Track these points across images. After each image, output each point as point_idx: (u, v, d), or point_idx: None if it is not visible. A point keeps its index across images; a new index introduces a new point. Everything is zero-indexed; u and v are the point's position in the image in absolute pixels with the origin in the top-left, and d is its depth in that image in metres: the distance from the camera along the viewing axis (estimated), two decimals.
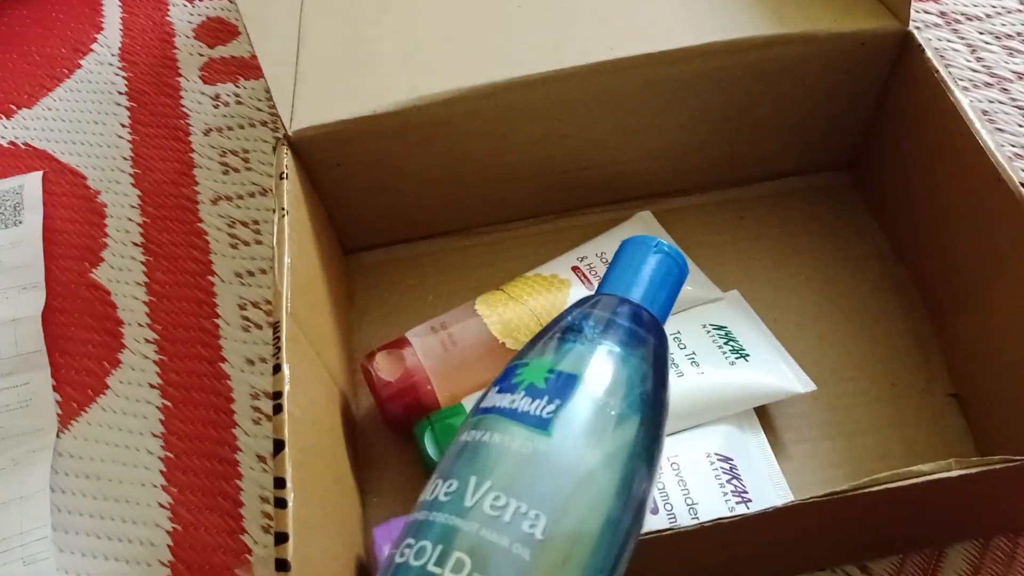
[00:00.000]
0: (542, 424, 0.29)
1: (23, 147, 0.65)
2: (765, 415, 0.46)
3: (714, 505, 0.41)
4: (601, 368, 0.31)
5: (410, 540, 0.28)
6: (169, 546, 0.48)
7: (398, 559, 0.28)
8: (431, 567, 0.27)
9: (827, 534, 0.40)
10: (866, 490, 0.34)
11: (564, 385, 0.30)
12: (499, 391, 0.31)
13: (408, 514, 0.32)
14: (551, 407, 0.29)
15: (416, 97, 0.46)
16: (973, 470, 0.34)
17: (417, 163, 0.50)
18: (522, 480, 0.28)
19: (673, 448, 0.43)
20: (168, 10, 0.71)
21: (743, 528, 0.34)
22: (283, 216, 0.43)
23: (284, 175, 0.45)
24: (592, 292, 0.48)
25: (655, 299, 0.36)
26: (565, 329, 0.33)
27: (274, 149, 0.47)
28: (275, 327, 0.40)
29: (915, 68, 0.47)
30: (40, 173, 0.62)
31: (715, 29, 0.48)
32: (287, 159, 0.46)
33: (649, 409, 0.31)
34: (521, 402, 0.30)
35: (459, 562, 0.26)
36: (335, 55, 0.49)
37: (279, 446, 0.37)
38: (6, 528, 0.48)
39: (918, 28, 0.47)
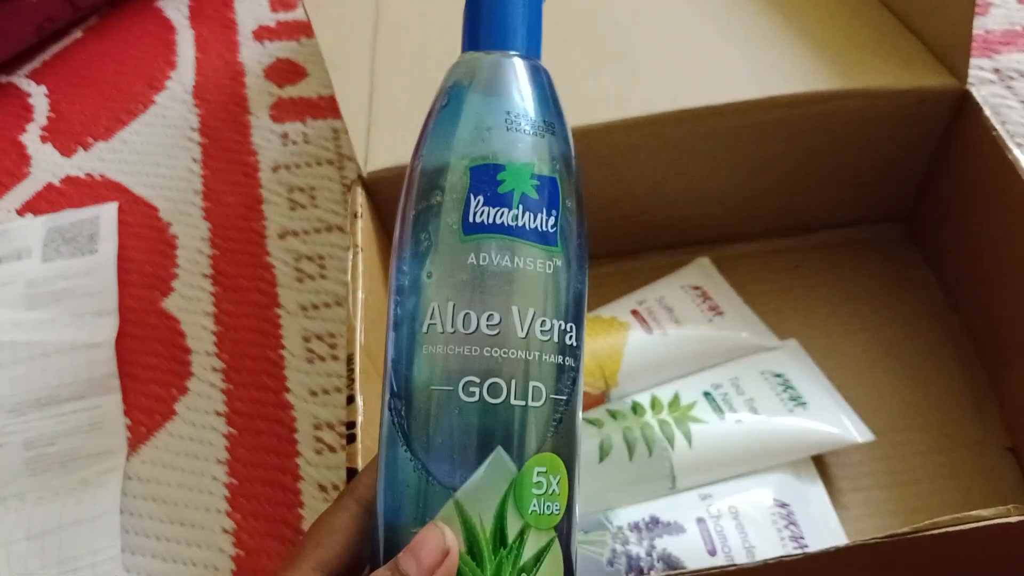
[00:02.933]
0: (552, 240, 0.29)
1: (99, 179, 0.67)
2: (821, 462, 0.47)
3: (772, 550, 0.41)
4: (557, 158, 0.30)
5: (472, 378, 0.28)
6: (232, 571, 0.49)
7: (466, 398, 0.28)
8: (514, 401, 0.28)
9: None
10: (926, 533, 0.34)
11: (551, 192, 0.30)
12: (488, 202, 0.29)
13: None
14: (552, 220, 0.29)
15: None
16: None
17: None
18: (553, 299, 0.29)
19: (731, 493, 0.44)
20: (239, 51, 0.74)
21: (804, 568, 0.35)
22: (357, 253, 0.45)
23: (358, 214, 0.47)
24: (650, 335, 0.49)
25: (533, 42, 0.32)
26: (514, 116, 0.30)
27: (347, 188, 0.49)
28: (349, 359, 0.42)
29: (972, 125, 0.48)
30: (115, 204, 0.65)
31: (776, 82, 0.49)
32: (361, 199, 0.48)
33: (578, 174, 0.32)
34: (525, 218, 0.29)
35: (536, 390, 0.29)
36: (407, 99, 0.51)
37: (353, 475, 0.38)
38: (79, 545, 0.50)
39: (972, 85, 0.48)
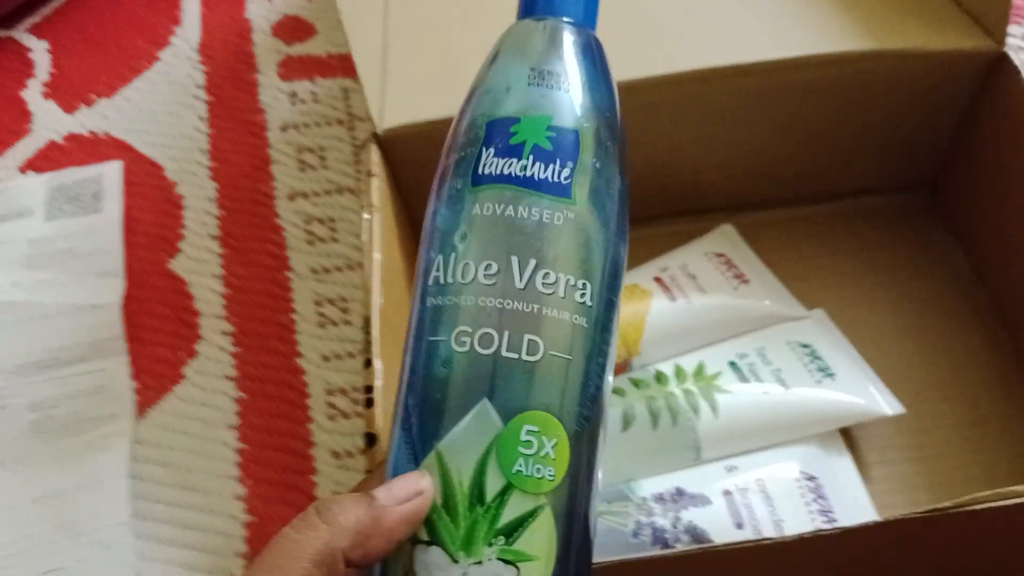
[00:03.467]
0: (565, 192, 0.28)
1: (103, 136, 0.66)
2: (848, 435, 0.46)
3: (800, 523, 0.40)
4: (586, 114, 0.30)
5: (464, 328, 0.28)
6: (244, 537, 0.48)
7: (457, 348, 0.28)
8: (505, 352, 0.27)
9: (917, 558, 0.39)
10: (967, 508, 0.33)
11: (568, 146, 0.29)
12: (498, 154, 0.29)
13: None
14: (566, 171, 0.29)
15: None
16: None
17: None
18: (563, 253, 0.28)
19: (758, 466, 0.43)
20: (246, 7, 0.72)
21: (837, 543, 0.34)
22: (373, 213, 0.44)
23: (373, 172, 0.45)
24: (673, 302, 0.48)
25: (590, 12, 0.32)
26: (539, 73, 0.30)
27: (360, 148, 0.47)
28: (366, 322, 0.40)
29: (1008, 90, 0.47)
30: (120, 163, 0.63)
31: (804, 42, 0.47)
32: (376, 157, 0.46)
33: (620, 138, 0.31)
34: (535, 168, 0.28)
35: (532, 344, 0.27)
36: (422, 57, 0.50)
37: (372, 440, 0.37)
38: (80, 510, 0.48)
39: (1008, 49, 0.47)
